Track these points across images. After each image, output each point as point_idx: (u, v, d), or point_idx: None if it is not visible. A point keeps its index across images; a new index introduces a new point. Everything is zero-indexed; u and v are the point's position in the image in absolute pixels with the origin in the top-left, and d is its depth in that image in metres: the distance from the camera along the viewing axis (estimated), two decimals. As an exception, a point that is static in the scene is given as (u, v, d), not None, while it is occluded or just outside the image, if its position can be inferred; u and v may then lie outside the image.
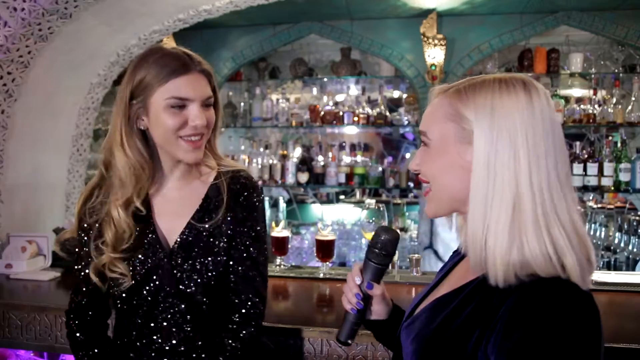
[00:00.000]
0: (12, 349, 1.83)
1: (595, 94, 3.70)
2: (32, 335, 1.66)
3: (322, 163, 4.00)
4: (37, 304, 1.68)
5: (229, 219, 1.20)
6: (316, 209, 4.73)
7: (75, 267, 1.25)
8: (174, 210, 1.22)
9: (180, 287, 1.16)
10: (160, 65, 1.10)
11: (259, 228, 1.24)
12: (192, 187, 1.24)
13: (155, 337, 1.17)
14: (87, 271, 1.20)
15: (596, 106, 3.66)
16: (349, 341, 1.05)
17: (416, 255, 2.09)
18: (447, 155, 0.82)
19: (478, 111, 0.78)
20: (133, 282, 1.15)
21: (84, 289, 1.23)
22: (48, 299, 1.81)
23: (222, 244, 1.19)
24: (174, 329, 1.16)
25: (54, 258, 2.25)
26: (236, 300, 1.20)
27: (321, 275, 2.06)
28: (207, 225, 1.19)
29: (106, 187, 1.20)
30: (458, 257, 1.00)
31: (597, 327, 0.69)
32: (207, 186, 1.24)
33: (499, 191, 0.75)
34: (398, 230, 1.06)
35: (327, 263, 2.10)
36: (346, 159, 4.03)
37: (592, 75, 3.85)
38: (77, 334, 1.23)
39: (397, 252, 1.07)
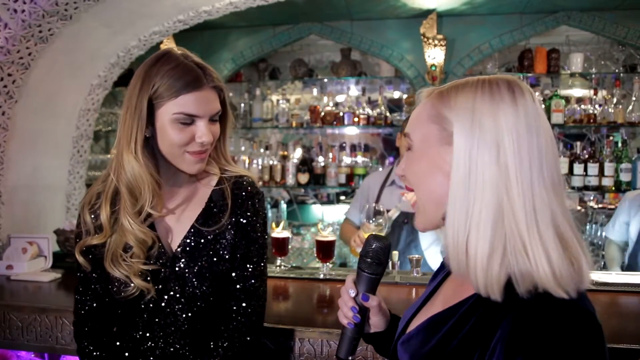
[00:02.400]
0: (13, 350, 1.83)
1: (595, 94, 3.69)
2: (33, 336, 1.66)
3: (322, 164, 4.00)
4: (38, 305, 1.68)
5: (232, 224, 1.20)
6: (317, 210, 4.72)
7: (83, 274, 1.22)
8: (174, 214, 1.21)
9: (184, 290, 1.16)
10: (173, 78, 1.08)
11: (260, 235, 1.24)
12: (192, 190, 1.24)
13: (157, 341, 1.16)
14: (93, 282, 1.20)
15: (597, 106, 3.66)
16: (350, 358, 1.00)
17: (416, 255, 2.08)
18: (428, 158, 0.80)
19: (459, 111, 0.75)
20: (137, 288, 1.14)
21: (90, 297, 1.22)
22: (49, 300, 1.81)
23: (225, 249, 1.19)
24: (176, 333, 1.16)
25: (54, 259, 2.26)
26: (235, 307, 1.19)
27: (321, 276, 2.06)
28: (211, 229, 1.18)
29: (112, 197, 1.16)
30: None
31: (601, 350, 0.64)
32: (209, 190, 1.23)
33: (480, 193, 0.71)
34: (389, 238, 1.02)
35: (328, 264, 2.10)
36: (346, 159, 4.03)
37: (593, 75, 3.85)
38: (86, 343, 1.21)
39: (391, 256, 1.04)
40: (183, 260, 1.17)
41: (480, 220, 0.71)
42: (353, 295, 0.99)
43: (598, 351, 0.64)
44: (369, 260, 0.98)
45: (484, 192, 0.71)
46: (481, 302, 0.73)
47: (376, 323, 1.04)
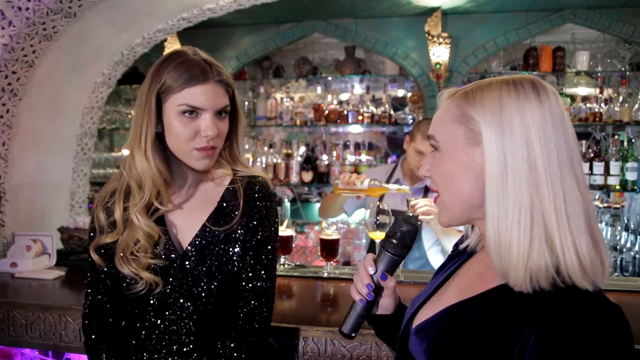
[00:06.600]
0: (17, 348, 1.84)
1: (601, 92, 3.67)
2: (37, 334, 1.66)
3: (326, 162, 3.99)
4: (42, 303, 1.68)
5: (243, 224, 1.20)
6: (320, 208, 4.71)
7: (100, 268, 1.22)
8: (186, 212, 1.22)
9: (192, 289, 1.16)
10: (179, 72, 1.10)
11: (272, 236, 1.24)
12: (204, 190, 1.24)
13: (163, 338, 1.16)
14: (102, 276, 1.22)
15: (602, 104, 3.64)
16: (353, 334, 1.01)
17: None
18: (456, 158, 0.81)
19: (486, 111, 0.76)
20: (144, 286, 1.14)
21: (100, 291, 1.23)
22: (52, 297, 1.81)
23: (236, 249, 1.19)
24: (182, 331, 1.16)
25: (58, 257, 2.26)
26: (244, 307, 1.19)
27: (325, 275, 2.06)
28: (222, 229, 1.18)
29: (125, 194, 1.18)
30: (464, 256, 0.96)
31: (630, 342, 0.69)
32: (222, 190, 1.23)
33: (518, 191, 0.73)
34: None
35: (331, 262, 2.10)
36: (350, 158, 4.02)
37: (599, 74, 3.82)
38: (93, 337, 1.21)
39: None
40: (193, 258, 1.17)
41: (521, 217, 0.73)
42: (372, 272, 0.99)
43: (628, 339, 0.69)
44: (395, 241, 0.98)
45: (521, 189, 0.73)
46: (509, 292, 0.74)
47: (386, 306, 1.04)
